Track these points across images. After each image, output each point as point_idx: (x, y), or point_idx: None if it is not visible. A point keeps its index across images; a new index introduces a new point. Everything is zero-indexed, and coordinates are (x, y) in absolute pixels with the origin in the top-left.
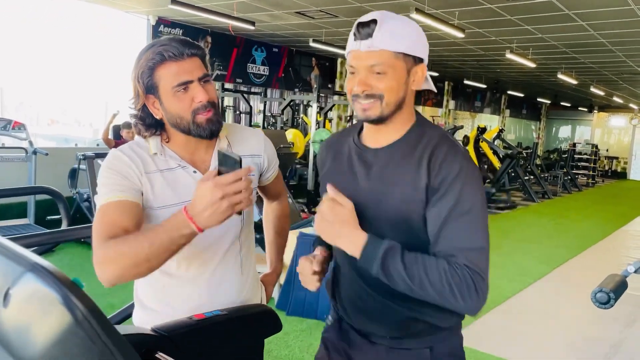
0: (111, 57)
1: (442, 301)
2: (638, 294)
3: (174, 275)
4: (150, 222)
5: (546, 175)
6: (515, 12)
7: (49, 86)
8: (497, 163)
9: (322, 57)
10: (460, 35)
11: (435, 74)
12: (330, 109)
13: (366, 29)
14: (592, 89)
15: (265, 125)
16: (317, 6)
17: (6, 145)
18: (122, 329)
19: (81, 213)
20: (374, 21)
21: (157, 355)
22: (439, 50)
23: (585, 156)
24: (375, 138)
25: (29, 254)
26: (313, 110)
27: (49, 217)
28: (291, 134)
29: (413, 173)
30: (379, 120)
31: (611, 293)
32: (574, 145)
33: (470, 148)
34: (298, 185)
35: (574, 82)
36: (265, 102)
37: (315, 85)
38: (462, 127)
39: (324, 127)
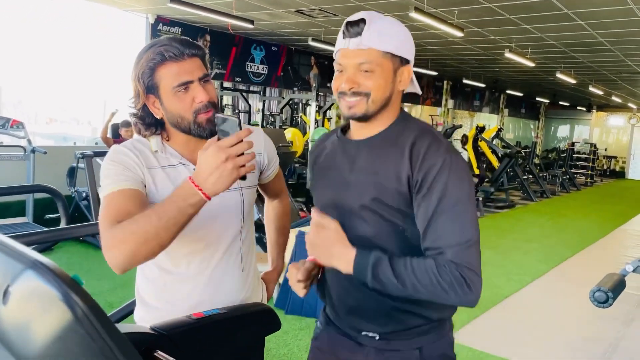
0: (110, 55)
1: (438, 300)
2: (636, 293)
3: (175, 272)
4: None
5: (545, 174)
6: (515, 11)
7: (47, 85)
8: (495, 162)
9: (321, 56)
10: (459, 34)
11: (434, 73)
12: (329, 108)
13: (355, 27)
14: (591, 89)
15: (264, 124)
16: (316, 5)
17: (4, 143)
18: (121, 327)
19: (80, 212)
20: (363, 20)
21: (156, 354)
22: (438, 49)
23: (583, 155)
24: (359, 132)
25: (29, 251)
26: (312, 109)
27: (47, 216)
28: (290, 133)
29: (395, 163)
30: (364, 118)
31: (610, 292)
32: (573, 144)
33: (469, 147)
34: (297, 184)
35: (573, 81)
36: (264, 101)
37: (314, 84)
38: (460, 126)
39: (322, 126)
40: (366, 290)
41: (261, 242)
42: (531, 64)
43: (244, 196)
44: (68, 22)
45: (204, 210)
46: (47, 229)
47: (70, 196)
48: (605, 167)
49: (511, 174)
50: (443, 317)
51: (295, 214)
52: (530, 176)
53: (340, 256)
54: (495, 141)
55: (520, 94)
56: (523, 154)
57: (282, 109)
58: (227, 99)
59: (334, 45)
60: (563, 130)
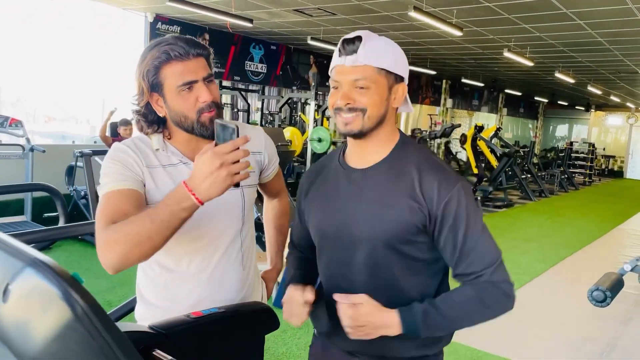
0: (109, 54)
1: (486, 319)
2: (634, 292)
3: (176, 271)
4: None
5: (543, 173)
6: (514, 11)
7: (46, 83)
8: (494, 162)
9: (320, 55)
10: (458, 33)
11: (433, 72)
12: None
13: (351, 45)
14: (590, 88)
15: (263, 123)
16: (316, 4)
17: (3, 142)
18: (120, 326)
19: (78, 210)
20: (359, 38)
21: (154, 353)
22: (437, 48)
23: (582, 155)
24: (359, 157)
25: (29, 249)
26: (311, 108)
27: (45, 215)
28: (289, 132)
29: (407, 196)
30: (360, 135)
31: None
32: (571, 144)
33: (467, 146)
34: (296, 183)
35: (572, 80)
36: (263, 99)
37: (313, 83)
38: (459, 125)
39: (321, 125)
40: None
41: (260, 241)
42: (530, 64)
43: (244, 195)
44: (67, 21)
45: (205, 209)
46: (45, 227)
47: (69, 195)
48: (603, 166)
49: (510, 173)
50: (437, 352)
51: (294, 213)
52: (529, 175)
53: (386, 324)
54: (494, 140)
55: (519, 94)
56: (522, 153)
57: (281, 108)
58: (225, 98)
59: (333, 44)
60: (561, 130)
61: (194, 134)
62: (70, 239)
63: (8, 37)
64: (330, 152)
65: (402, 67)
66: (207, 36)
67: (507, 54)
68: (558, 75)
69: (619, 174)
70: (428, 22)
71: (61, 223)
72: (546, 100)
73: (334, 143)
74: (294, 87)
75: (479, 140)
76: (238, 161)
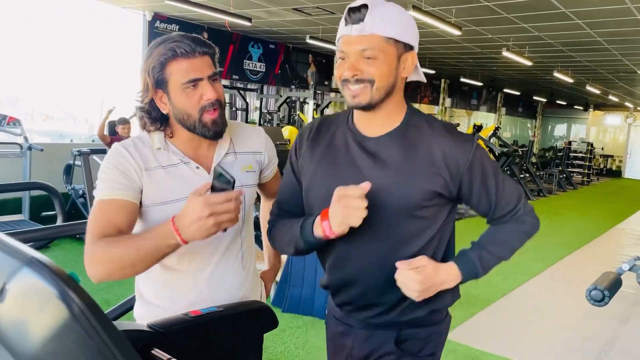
0: (107, 53)
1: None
2: (632, 292)
3: (176, 270)
4: (153, 218)
5: (542, 173)
6: (512, 10)
7: (44, 82)
8: None
9: (318, 54)
10: (457, 32)
11: (432, 72)
12: (327, 106)
13: (357, 13)
14: (588, 88)
15: (262, 122)
16: (314, 3)
17: (1, 140)
18: (118, 324)
19: (76, 209)
20: (365, 6)
21: (153, 352)
22: (436, 47)
23: (580, 154)
24: (369, 126)
25: (25, 248)
26: (309, 107)
27: (43, 213)
28: (287, 131)
29: (426, 163)
30: (369, 107)
31: (606, 291)
32: (570, 143)
33: None
34: None
35: (570, 80)
36: (262, 98)
37: (311, 82)
38: (458, 124)
39: None
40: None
41: (258, 240)
42: (529, 63)
43: (245, 195)
44: (65, 20)
45: None
46: (43, 226)
47: (67, 194)
48: (601, 166)
49: (508, 172)
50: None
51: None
52: (527, 175)
53: (449, 278)
54: (493, 140)
55: (518, 93)
56: (520, 152)
57: (279, 107)
58: (224, 97)
59: (332, 43)
60: (560, 129)
61: (196, 133)
62: (68, 238)
63: (5, 36)
64: (333, 115)
65: (412, 35)
66: (205, 35)
67: (505, 54)
68: (557, 74)
69: (617, 173)
70: (427, 21)
71: (59, 222)
72: (545, 100)
73: None
74: (293, 86)
75: (478, 139)
76: (229, 212)
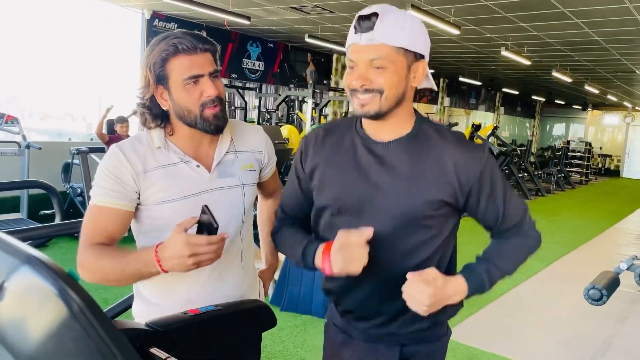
0: (105, 51)
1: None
2: (630, 291)
3: None
4: (153, 217)
5: (540, 172)
6: (511, 9)
7: (42, 80)
8: None
9: (317, 53)
10: (456, 32)
11: (431, 71)
12: (326, 105)
13: (367, 22)
14: (587, 87)
15: (260, 121)
16: (313, 1)
17: None
18: (116, 323)
19: (75, 207)
20: (375, 14)
21: (151, 350)
22: (435, 46)
23: (578, 154)
24: (377, 132)
25: (24, 247)
26: (308, 106)
27: (42, 212)
28: (286, 130)
29: (436, 172)
30: (377, 116)
31: (604, 290)
32: (568, 143)
33: None
34: None
35: (569, 79)
36: (260, 97)
37: (310, 81)
38: (456, 124)
39: (319, 123)
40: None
41: (256, 238)
42: (527, 62)
43: (245, 194)
44: (64, 18)
45: None
46: (41, 224)
47: (65, 192)
48: (600, 165)
49: (506, 172)
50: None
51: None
52: (526, 174)
53: (456, 292)
54: (491, 139)
55: (516, 92)
56: (518, 152)
57: (278, 106)
58: (225, 94)
59: (330, 42)
60: (558, 129)
61: (197, 129)
62: (67, 236)
63: (3, 34)
64: (339, 120)
65: (423, 44)
66: (204, 33)
67: (504, 53)
68: (555, 74)
69: (615, 173)
70: (426, 21)
71: (57, 220)
72: (543, 99)
73: None
74: (292, 85)
75: (476, 138)
76: (209, 254)
